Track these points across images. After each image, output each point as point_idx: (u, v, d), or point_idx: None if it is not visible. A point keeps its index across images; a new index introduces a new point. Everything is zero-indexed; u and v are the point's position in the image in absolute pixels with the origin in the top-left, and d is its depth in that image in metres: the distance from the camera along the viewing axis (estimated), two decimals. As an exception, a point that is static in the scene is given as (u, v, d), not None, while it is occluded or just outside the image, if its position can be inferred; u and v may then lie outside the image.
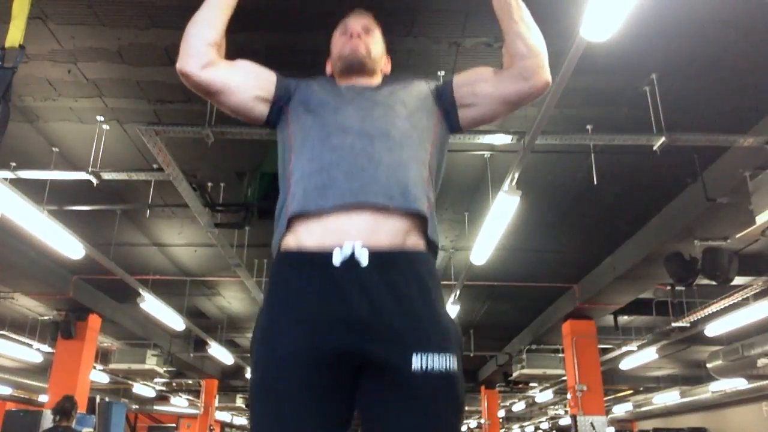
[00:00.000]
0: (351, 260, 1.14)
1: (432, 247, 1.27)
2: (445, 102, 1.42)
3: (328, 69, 1.54)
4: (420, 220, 1.25)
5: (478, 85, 1.41)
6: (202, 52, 1.36)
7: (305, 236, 1.21)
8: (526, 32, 1.35)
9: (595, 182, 4.58)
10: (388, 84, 1.45)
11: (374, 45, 1.48)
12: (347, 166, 1.23)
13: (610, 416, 16.68)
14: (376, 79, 1.48)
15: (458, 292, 7.14)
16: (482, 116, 1.43)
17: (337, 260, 1.14)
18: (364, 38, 1.46)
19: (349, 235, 1.16)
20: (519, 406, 18.60)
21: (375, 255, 1.15)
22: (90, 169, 4.46)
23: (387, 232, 1.19)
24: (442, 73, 3.96)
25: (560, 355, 9.79)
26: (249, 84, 1.41)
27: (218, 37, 1.39)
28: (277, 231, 1.27)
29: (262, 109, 1.41)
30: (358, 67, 1.44)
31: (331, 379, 1.12)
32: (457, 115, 1.42)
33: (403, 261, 1.19)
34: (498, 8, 1.39)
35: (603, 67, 3.88)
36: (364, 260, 1.14)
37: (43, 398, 11.35)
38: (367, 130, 1.28)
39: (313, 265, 1.17)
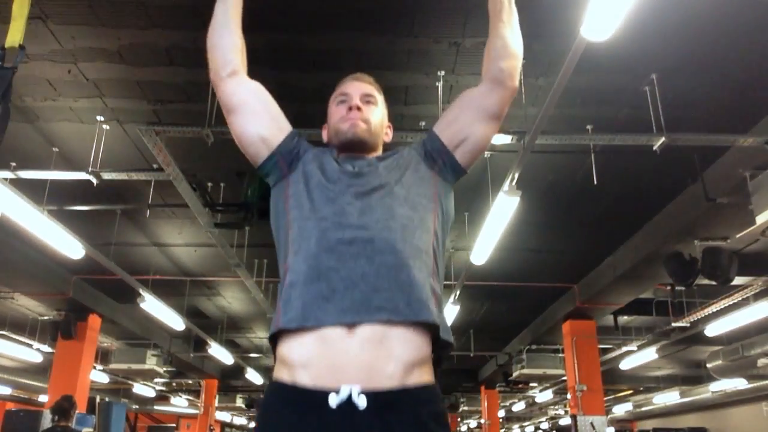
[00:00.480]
0: (348, 402, 1.07)
1: (445, 348, 1.22)
2: (438, 155, 1.38)
3: (325, 136, 1.49)
4: (429, 327, 1.18)
5: (458, 118, 1.40)
6: (228, 60, 1.41)
7: (300, 371, 1.13)
8: (509, 34, 1.42)
9: (595, 182, 4.57)
10: (385, 159, 1.38)
11: (374, 116, 1.42)
12: (347, 272, 1.16)
13: (610, 416, 16.69)
14: (376, 153, 1.43)
15: (458, 292, 7.14)
16: (478, 143, 1.39)
17: (333, 403, 1.07)
18: (363, 110, 1.40)
19: (346, 376, 1.09)
20: (519, 406, 18.62)
21: (373, 397, 1.08)
22: (90, 169, 4.46)
23: (389, 360, 1.11)
24: (442, 73, 3.96)
25: (560, 355, 9.80)
26: (263, 117, 1.39)
27: (239, 41, 1.44)
28: (271, 333, 1.22)
29: (261, 151, 1.37)
30: (358, 145, 1.39)
31: None
32: (455, 159, 1.38)
33: (404, 402, 1.11)
34: (492, 8, 1.46)
35: (603, 67, 3.88)
36: (361, 404, 1.07)
37: (43, 398, 11.37)
38: (365, 224, 1.22)
39: (307, 404, 1.10)
